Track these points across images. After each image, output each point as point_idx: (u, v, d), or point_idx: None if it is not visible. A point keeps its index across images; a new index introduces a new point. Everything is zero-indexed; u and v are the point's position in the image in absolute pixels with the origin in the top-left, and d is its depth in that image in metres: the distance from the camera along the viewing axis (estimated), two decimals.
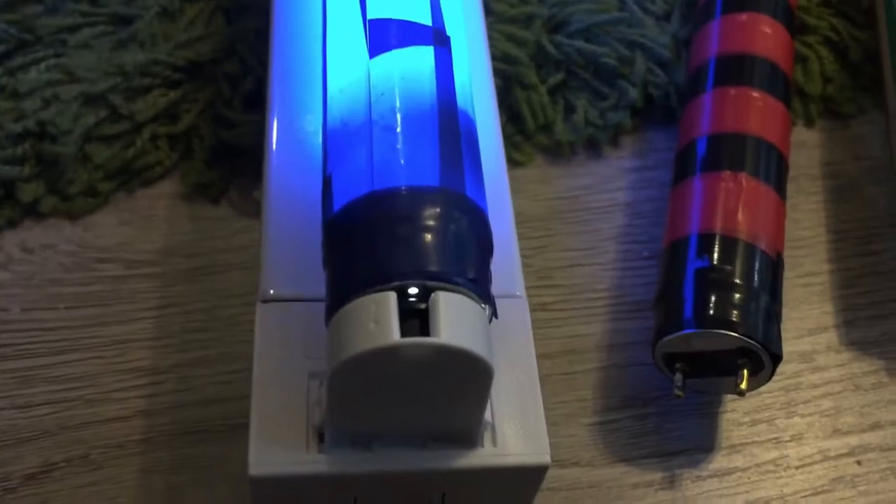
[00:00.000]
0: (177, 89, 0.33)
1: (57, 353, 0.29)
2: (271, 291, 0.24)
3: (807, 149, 0.35)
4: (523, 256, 0.31)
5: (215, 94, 0.34)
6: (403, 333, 0.19)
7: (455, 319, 0.19)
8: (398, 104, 0.22)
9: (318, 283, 0.22)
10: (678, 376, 0.27)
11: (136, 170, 0.32)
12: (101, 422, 0.27)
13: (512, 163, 0.34)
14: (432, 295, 0.19)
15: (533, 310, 0.30)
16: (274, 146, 0.27)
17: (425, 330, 0.19)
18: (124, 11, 0.35)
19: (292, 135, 0.27)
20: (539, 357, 0.29)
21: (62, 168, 0.31)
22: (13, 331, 0.29)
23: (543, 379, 0.29)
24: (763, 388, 0.28)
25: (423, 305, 0.19)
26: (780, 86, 0.32)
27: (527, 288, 0.26)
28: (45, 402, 0.28)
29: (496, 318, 0.21)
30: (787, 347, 0.29)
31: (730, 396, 0.29)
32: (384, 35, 0.23)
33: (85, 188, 0.31)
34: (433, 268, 0.20)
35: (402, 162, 0.21)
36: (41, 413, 0.27)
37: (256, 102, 0.33)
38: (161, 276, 0.30)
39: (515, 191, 0.33)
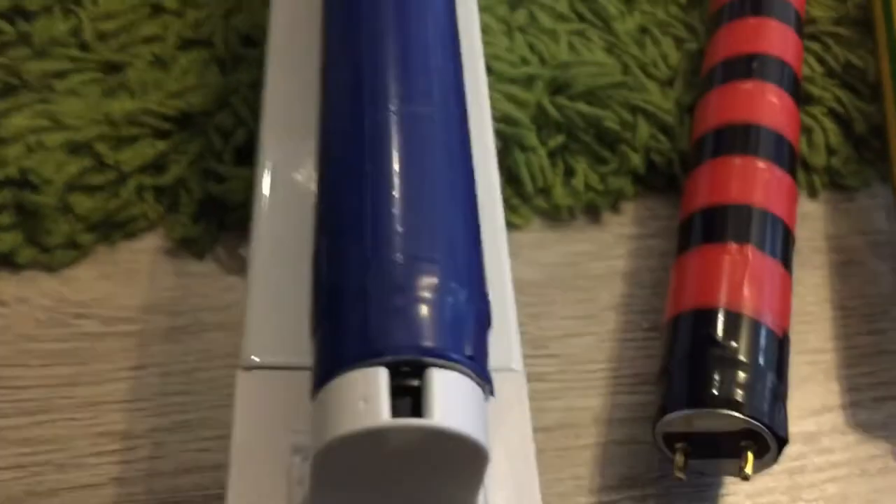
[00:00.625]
0: (166, 140, 0.32)
1: (28, 413, 0.27)
2: (254, 358, 0.23)
3: (810, 221, 0.34)
4: (519, 325, 0.30)
5: (205, 147, 0.33)
6: (394, 413, 0.18)
7: (450, 399, 0.18)
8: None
9: (304, 352, 0.21)
10: (679, 457, 0.26)
11: (120, 222, 0.31)
12: (71, 489, 0.26)
13: (509, 226, 0.33)
14: (426, 372, 0.18)
15: (528, 380, 0.28)
16: (263, 203, 0.26)
17: (417, 409, 0.18)
18: (116, 58, 0.34)
19: (283, 191, 0.26)
20: (534, 430, 0.28)
21: (42, 218, 0.30)
22: None
23: (538, 454, 0.27)
24: (766, 471, 0.27)
25: (415, 383, 0.18)
26: (787, 156, 0.31)
27: (523, 358, 0.25)
28: (13, 465, 0.26)
29: (493, 395, 0.20)
30: (792, 428, 0.28)
31: (732, 478, 0.28)
32: (384, 95, 0.22)
33: (65, 240, 0.30)
34: (428, 343, 0.18)
35: (399, 230, 0.20)
36: (7, 477, 0.26)
37: (248, 156, 0.32)
38: (140, 335, 0.29)
39: (511, 255, 0.32)
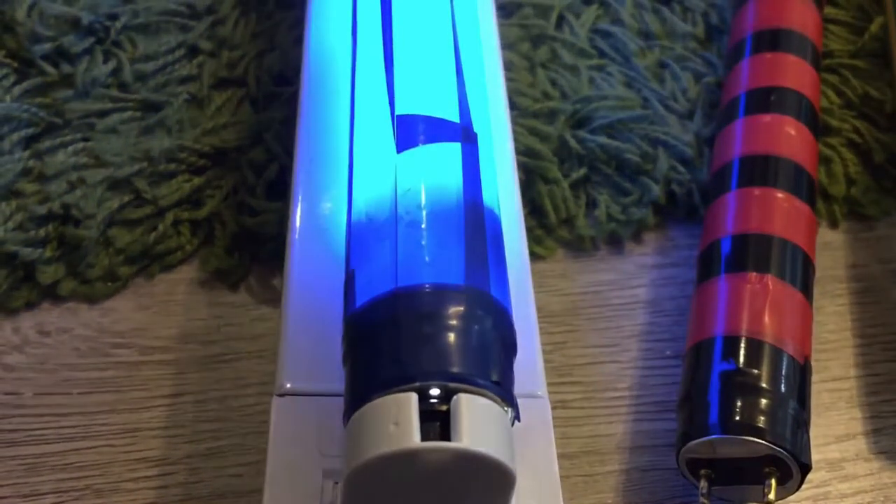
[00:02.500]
0: (201, 175, 0.34)
1: (67, 440, 0.28)
2: (288, 385, 0.23)
3: (831, 250, 0.35)
4: (543, 352, 0.31)
5: (239, 181, 0.34)
6: (424, 436, 0.18)
7: (477, 423, 0.19)
8: (424, 200, 0.22)
9: (336, 378, 0.22)
10: (703, 483, 0.26)
11: (157, 254, 0.32)
12: None
13: (533, 256, 0.34)
14: (454, 397, 0.19)
15: (553, 407, 0.29)
16: (297, 235, 0.27)
17: (446, 433, 0.19)
18: (154, 98, 0.35)
19: (315, 224, 0.27)
20: (559, 457, 0.28)
21: (84, 252, 0.31)
22: (24, 415, 0.28)
23: (563, 480, 0.28)
24: (790, 498, 0.27)
25: (444, 407, 0.19)
26: (805, 188, 0.32)
27: (547, 385, 0.26)
28: (53, 490, 0.27)
29: (519, 420, 0.21)
30: (815, 455, 0.28)
31: None
32: (412, 131, 0.23)
33: (105, 272, 0.31)
34: (456, 369, 0.19)
35: (427, 259, 0.21)
36: (48, 502, 0.27)
37: (280, 191, 0.33)
38: (175, 363, 0.30)
39: (536, 285, 0.32)
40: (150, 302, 0.31)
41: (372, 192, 0.23)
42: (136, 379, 0.29)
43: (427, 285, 0.20)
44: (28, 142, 0.34)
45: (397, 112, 0.24)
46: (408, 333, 0.20)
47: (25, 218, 0.31)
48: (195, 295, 0.32)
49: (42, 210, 0.31)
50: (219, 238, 0.33)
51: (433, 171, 0.22)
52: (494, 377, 0.20)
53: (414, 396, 0.19)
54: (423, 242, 0.21)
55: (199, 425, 0.29)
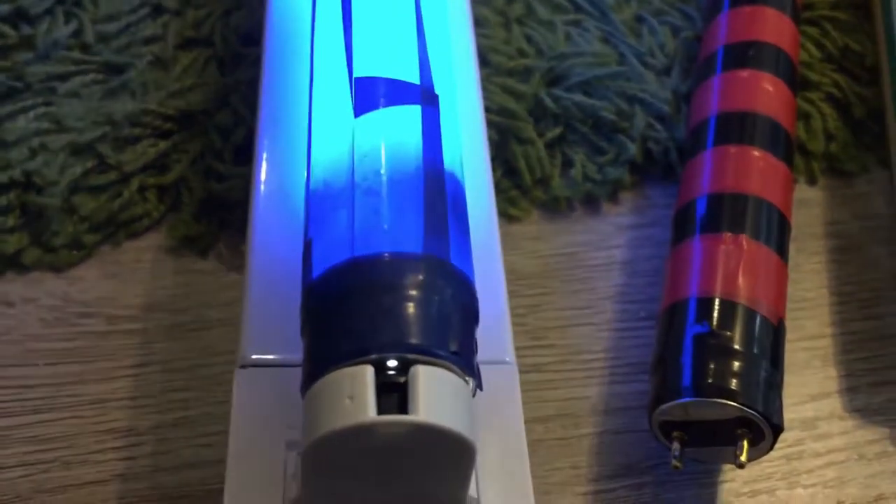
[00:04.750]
0: (167, 140, 0.33)
1: (34, 412, 0.28)
2: (251, 356, 0.23)
3: (809, 207, 0.34)
4: (517, 315, 0.30)
5: (206, 146, 0.33)
6: (381, 409, 0.18)
7: (435, 395, 0.18)
8: (382, 166, 0.21)
9: (299, 349, 0.21)
10: (675, 445, 0.26)
11: (123, 221, 0.32)
12: (77, 485, 0.26)
13: (508, 218, 0.33)
14: (411, 369, 0.18)
15: (527, 371, 0.29)
16: (259, 203, 0.26)
17: (404, 406, 0.18)
18: (117, 59, 0.35)
19: (279, 189, 0.27)
20: (533, 421, 0.28)
21: (47, 219, 0.31)
22: None
23: (537, 444, 0.28)
24: (764, 457, 0.27)
25: (402, 379, 0.19)
26: (782, 145, 0.31)
27: (520, 348, 0.26)
28: (21, 463, 0.27)
29: (481, 389, 0.21)
30: (789, 414, 0.28)
31: (730, 466, 0.28)
32: (370, 94, 0.22)
33: (70, 240, 0.31)
34: (414, 340, 0.19)
35: (385, 227, 0.20)
36: (15, 475, 0.27)
37: (248, 155, 0.32)
38: (143, 333, 0.29)
39: (511, 247, 0.32)
40: (116, 270, 0.31)
41: (330, 158, 0.22)
42: (104, 349, 0.29)
43: (385, 254, 0.20)
44: None
45: (355, 74, 0.23)
46: (364, 304, 0.19)
47: None
48: (163, 262, 0.31)
49: (3, 178, 0.31)
50: (186, 204, 0.32)
51: (391, 136, 0.22)
52: (454, 347, 0.19)
53: (370, 369, 0.18)
54: (381, 210, 0.21)
55: (167, 395, 0.28)
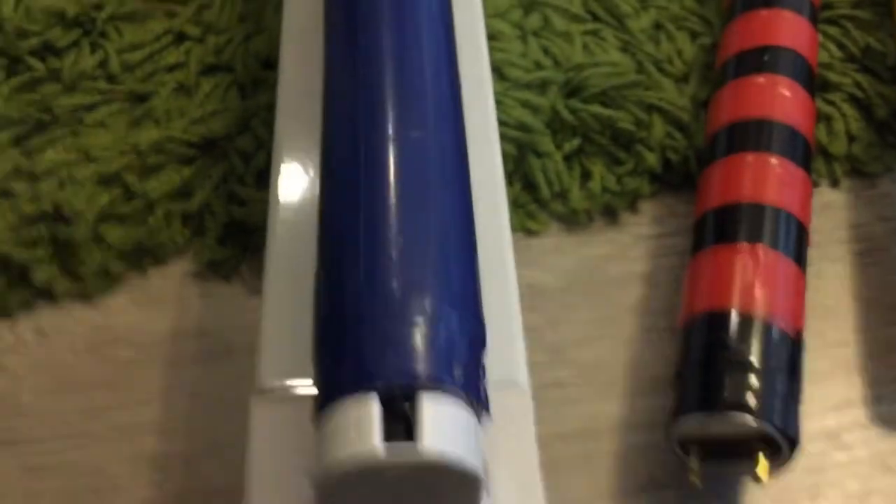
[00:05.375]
0: (190, 166, 0.34)
1: (66, 438, 0.29)
2: (267, 382, 0.23)
3: (831, 210, 0.34)
4: (536, 330, 0.31)
5: (228, 171, 0.34)
6: (387, 438, 0.18)
7: (439, 424, 0.19)
8: None
9: None
10: (694, 461, 0.26)
11: (149, 249, 0.32)
12: None
13: (527, 232, 0.33)
14: (415, 397, 0.19)
15: (546, 387, 0.29)
16: (277, 226, 0.27)
17: (410, 435, 0.18)
18: (141, 88, 0.35)
19: (297, 213, 0.27)
20: (553, 438, 0.28)
21: (76, 249, 0.32)
22: (22, 415, 0.29)
23: (557, 461, 0.28)
24: (787, 469, 0.27)
25: (407, 406, 0.19)
26: (801, 151, 0.31)
27: (540, 364, 0.26)
28: (52, 490, 0.28)
29: (489, 415, 0.21)
30: (812, 424, 0.28)
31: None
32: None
33: (98, 269, 0.32)
34: (418, 368, 0.19)
35: (393, 255, 0.20)
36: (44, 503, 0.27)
37: (269, 179, 0.33)
38: (171, 359, 0.30)
39: (530, 261, 0.33)
40: (143, 297, 0.32)
41: (337, 186, 0.22)
42: (133, 376, 0.30)
43: (392, 283, 0.20)
44: (18, 140, 0.34)
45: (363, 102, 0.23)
46: (370, 333, 0.20)
47: (18, 219, 0.32)
48: (189, 288, 0.32)
49: (34, 210, 0.32)
50: (210, 229, 0.33)
51: None
52: (459, 375, 0.19)
53: (375, 399, 0.19)
54: (390, 239, 0.21)
55: (196, 421, 0.29)
